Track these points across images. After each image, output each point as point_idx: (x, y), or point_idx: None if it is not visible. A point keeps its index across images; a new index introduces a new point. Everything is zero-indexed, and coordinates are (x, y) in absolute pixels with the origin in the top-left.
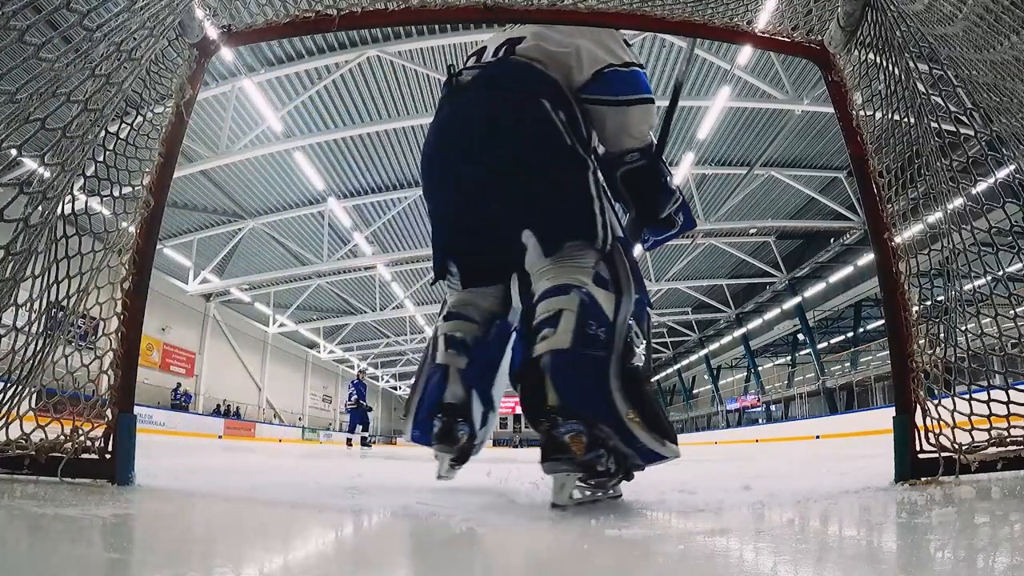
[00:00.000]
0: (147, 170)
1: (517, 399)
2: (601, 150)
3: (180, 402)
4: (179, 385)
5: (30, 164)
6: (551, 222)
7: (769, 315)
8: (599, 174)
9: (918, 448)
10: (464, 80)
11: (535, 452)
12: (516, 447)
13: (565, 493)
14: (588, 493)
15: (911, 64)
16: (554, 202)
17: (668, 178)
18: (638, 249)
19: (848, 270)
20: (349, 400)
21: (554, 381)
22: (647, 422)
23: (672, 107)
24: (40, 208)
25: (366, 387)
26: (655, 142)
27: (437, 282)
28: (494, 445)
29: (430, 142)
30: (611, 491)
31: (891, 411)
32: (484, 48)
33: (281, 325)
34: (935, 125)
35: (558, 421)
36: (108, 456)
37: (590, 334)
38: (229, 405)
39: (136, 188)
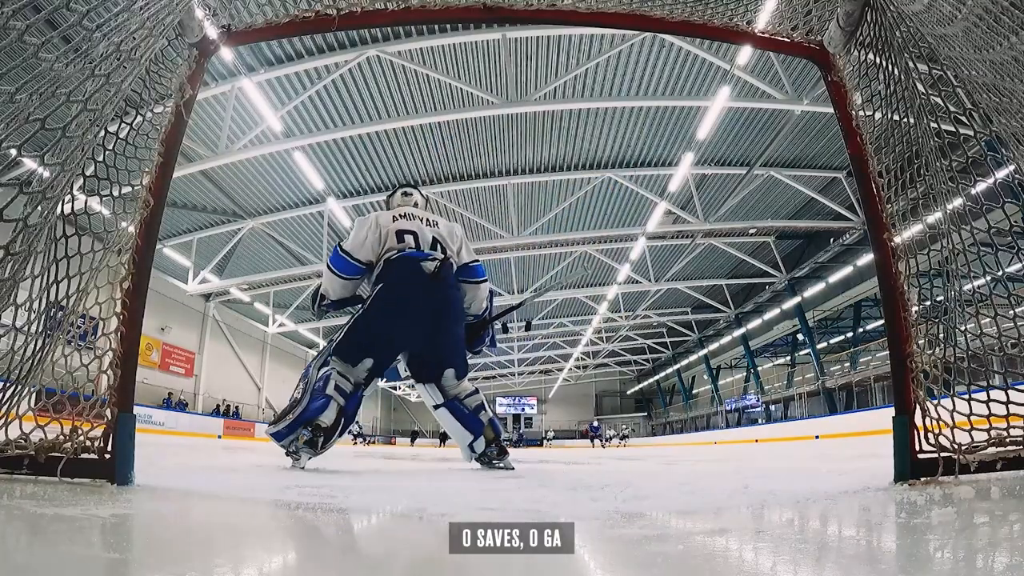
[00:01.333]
0: (146, 170)
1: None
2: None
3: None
4: (170, 395)
5: (30, 164)
6: (462, 364)
7: (768, 315)
8: None
9: (918, 448)
10: (438, 274)
11: (532, 452)
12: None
13: (509, 464)
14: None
15: (911, 64)
16: (463, 353)
17: (486, 331)
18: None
19: (848, 270)
20: None
21: (494, 428)
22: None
23: (500, 315)
24: (40, 208)
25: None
26: (489, 310)
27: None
28: None
29: (407, 296)
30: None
31: (891, 411)
32: (414, 231)
33: (281, 325)
34: (935, 125)
35: (500, 440)
36: (107, 456)
37: (488, 407)
38: (228, 405)
39: (135, 188)
